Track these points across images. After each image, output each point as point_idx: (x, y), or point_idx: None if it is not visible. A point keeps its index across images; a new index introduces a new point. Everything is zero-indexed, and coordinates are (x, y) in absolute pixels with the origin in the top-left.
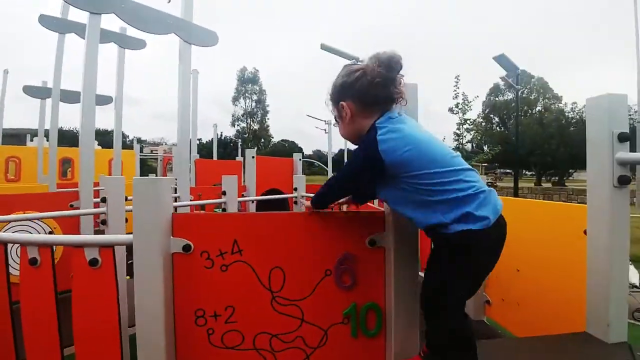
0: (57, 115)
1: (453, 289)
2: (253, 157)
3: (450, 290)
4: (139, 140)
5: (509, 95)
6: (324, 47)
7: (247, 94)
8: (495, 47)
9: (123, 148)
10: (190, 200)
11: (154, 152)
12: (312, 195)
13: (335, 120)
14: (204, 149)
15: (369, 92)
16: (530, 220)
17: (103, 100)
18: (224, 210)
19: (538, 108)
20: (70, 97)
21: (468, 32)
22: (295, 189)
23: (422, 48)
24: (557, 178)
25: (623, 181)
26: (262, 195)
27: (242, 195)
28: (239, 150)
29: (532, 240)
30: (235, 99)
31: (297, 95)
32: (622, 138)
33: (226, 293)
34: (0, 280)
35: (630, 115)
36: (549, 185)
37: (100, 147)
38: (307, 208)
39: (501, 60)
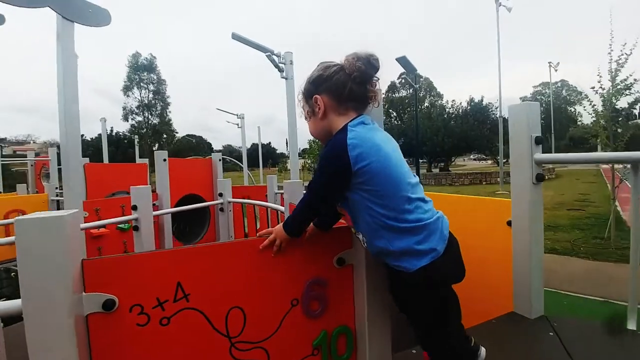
0: None
1: (443, 319)
2: (165, 159)
3: (441, 321)
4: None
5: (403, 92)
6: (235, 37)
7: (142, 84)
8: (388, 50)
9: None
10: (85, 217)
11: (17, 152)
12: (240, 200)
13: (306, 117)
14: (90, 148)
15: (345, 86)
16: (461, 213)
17: None
18: (135, 228)
19: (426, 104)
20: None
21: (368, 33)
22: (221, 195)
23: (327, 47)
24: (442, 164)
25: (539, 178)
26: (177, 203)
27: (153, 205)
28: (136, 149)
29: (462, 233)
30: (127, 89)
31: (203, 87)
32: (537, 141)
33: (170, 352)
34: None
35: (492, 111)
36: (437, 170)
37: None
38: (271, 241)
39: (403, 61)
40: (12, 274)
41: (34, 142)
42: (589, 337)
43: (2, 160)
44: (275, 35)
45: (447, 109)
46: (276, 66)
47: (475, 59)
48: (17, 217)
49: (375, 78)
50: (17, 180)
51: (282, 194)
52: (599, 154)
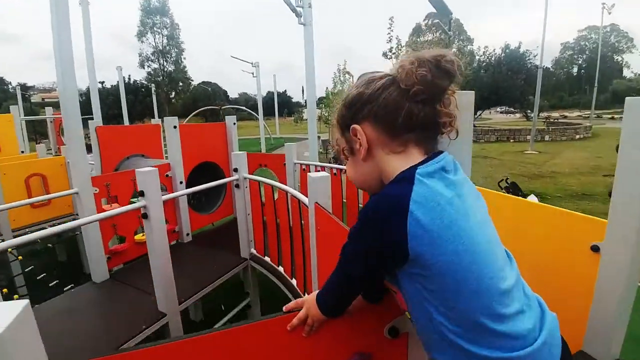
0: None
1: None
2: (175, 126)
3: None
4: (24, 87)
5: (429, 36)
6: None
7: (155, 28)
8: None
9: (5, 97)
10: (96, 194)
11: (46, 100)
12: (257, 178)
13: (343, 156)
14: (110, 96)
15: (400, 108)
16: (528, 224)
17: None
18: (144, 215)
19: (453, 49)
20: None
21: None
22: (235, 170)
23: None
24: None
25: None
26: (192, 171)
27: (166, 176)
28: (154, 97)
29: (525, 249)
30: (141, 34)
31: (217, 33)
32: None
33: None
34: None
35: (529, 59)
36: None
37: None
38: (301, 320)
39: (435, 2)
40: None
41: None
42: None
43: (23, 118)
44: None
45: (477, 56)
46: (293, 10)
47: None
48: None
49: (451, 89)
50: (43, 136)
51: (301, 164)
52: None
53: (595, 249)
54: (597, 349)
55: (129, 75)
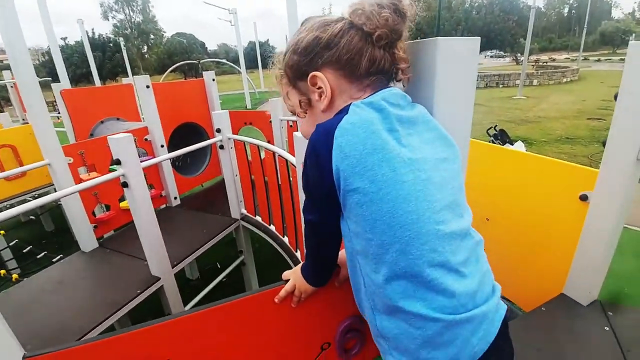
0: None
1: None
2: (148, 86)
3: None
4: None
5: None
6: None
7: None
8: None
9: None
10: (69, 163)
11: (3, 62)
12: (242, 138)
13: (296, 111)
14: (75, 55)
15: (362, 53)
16: (518, 174)
17: None
18: (124, 184)
19: None
20: None
21: None
22: (218, 131)
23: None
24: None
25: None
26: (173, 133)
27: (145, 140)
28: (124, 53)
29: (515, 197)
30: None
31: None
32: None
33: None
34: None
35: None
36: None
37: None
38: (288, 291)
39: None
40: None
41: None
42: None
43: None
44: None
45: None
46: None
47: None
48: None
49: (404, 36)
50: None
51: (288, 120)
52: None
53: (584, 197)
54: (578, 292)
55: (93, 29)
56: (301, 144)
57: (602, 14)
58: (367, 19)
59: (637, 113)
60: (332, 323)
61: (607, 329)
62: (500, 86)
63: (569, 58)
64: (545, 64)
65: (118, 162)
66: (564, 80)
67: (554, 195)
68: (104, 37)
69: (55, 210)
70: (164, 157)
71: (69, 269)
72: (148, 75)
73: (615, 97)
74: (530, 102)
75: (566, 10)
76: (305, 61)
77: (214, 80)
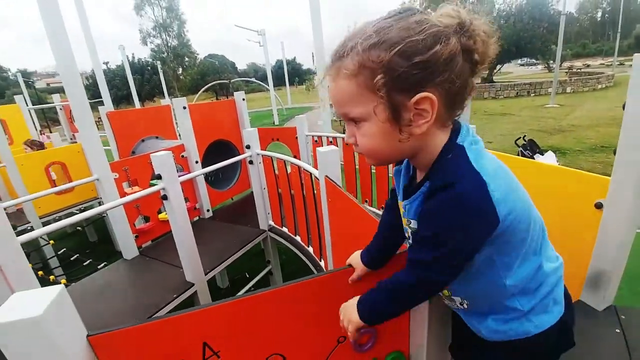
0: None
1: None
2: (185, 107)
3: None
4: (25, 73)
5: None
6: None
7: (153, 0)
8: None
9: (6, 85)
10: (115, 178)
11: (51, 85)
12: (270, 154)
13: (356, 120)
14: (117, 77)
15: (468, 82)
16: (537, 183)
17: None
18: (164, 197)
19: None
20: None
21: None
22: (248, 147)
23: None
24: (486, 74)
25: None
26: (207, 150)
27: (182, 157)
28: (161, 75)
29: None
30: (138, 8)
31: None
32: None
33: None
34: None
35: (552, 5)
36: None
37: None
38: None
39: None
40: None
41: None
42: None
43: (31, 108)
44: None
45: (497, 5)
46: None
47: None
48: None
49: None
50: (54, 123)
51: (313, 136)
52: None
53: (599, 205)
54: (593, 298)
55: (133, 54)
56: (325, 158)
57: (637, 16)
58: (483, 48)
59: None
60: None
61: (618, 331)
62: (532, 95)
63: (603, 63)
64: (579, 70)
65: (159, 177)
66: (599, 86)
67: (570, 204)
68: (142, 61)
69: (98, 222)
70: (198, 172)
71: (113, 274)
72: (185, 98)
73: (624, 107)
74: (563, 110)
75: (599, 14)
76: (418, 76)
77: (243, 99)
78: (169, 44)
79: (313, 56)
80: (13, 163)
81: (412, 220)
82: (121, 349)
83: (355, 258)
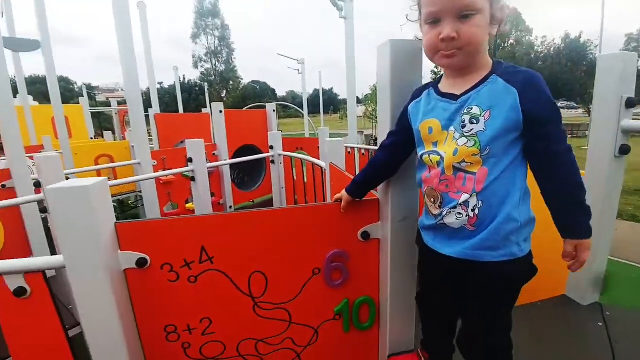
0: None
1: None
2: (221, 111)
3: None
4: (89, 87)
5: None
6: None
7: (208, 30)
8: None
9: (72, 96)
10: (154, 166)
11: (109, 99)
12: (289, 154)
13: (468, 14)
14: (167, 95)
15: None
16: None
17: (27, 45)
18: (193, 178)
19: (510, 41)
20: None
21: None
22: (272, 147)
23: None
24: None
25: (623, 151)
26: (235, 153)
27: (213, 155)
28: (206, 96)
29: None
30: (195, 36)
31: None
32: (629, 103)
33: (199, 305)
34: None
35: (590, 50)
36: None
37: (37, 103)
38: (586, 255)
39: None
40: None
41: (121, 90)
42: None
43: (91, 110)
44: None
45: (535, 47)
46: (334, 4)
47: None
48: (47, 187)
49: None
50: (107, 127)
51: None
52: None
53: None
54: (577, 292)
55: (184, 75)
56: (330, 147)
57: None
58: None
59: (609, 116)
60: (321, 251)
61: (600, 324)
62: (570, 136)
63: None
64: None
65: (190, 160)
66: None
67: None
68: (191, 82)
69: (133, 214)
70: (226, 162)
71: None
72: (222, 103)
73: None
74: None
75: None
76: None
77: (274, 110)
78: (217, 69)
79: (347, 88)
80: (69, 152)
81: (475, 107)
82: (137, 238)
83: (340, 193)
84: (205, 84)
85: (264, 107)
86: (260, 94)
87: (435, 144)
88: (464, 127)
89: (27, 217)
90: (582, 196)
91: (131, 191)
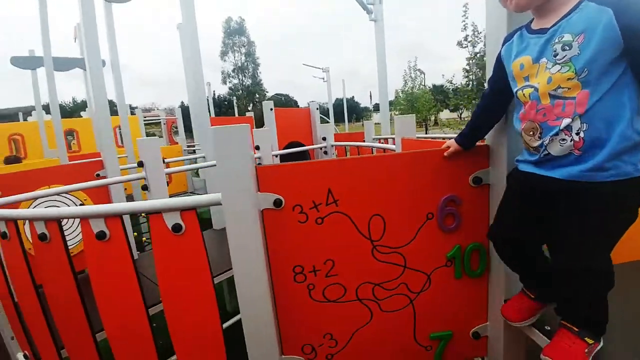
0: (54, 85)
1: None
2: (271, 109)
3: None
4: (130, 107)
5: None
6: None
7: (235, 47)
8: None
9: (113, 115)
10: None
11: (145, 118)
12: (343, 143)
13: None
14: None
15: None
16: None
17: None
18: (144, 187)
19: None
20: (62, 64)
21: None
22: (324, 139)
23: None
24: None
25: None
26: (284, 148)
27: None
28: (235, 109)
29: None
30: (223, 54)
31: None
32: None
33: (324, 247)
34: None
35: None
36: None
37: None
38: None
39: None
40: None
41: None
42: None
43: (143, 119)
44: None
45: None
46: (364, 7)
47: None
48: (214, 127)
49: None
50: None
51: (379, 138)
52: None
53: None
54: None
55: (214, 91)
56: (401, 123)
57: None
58: None
59: None
60: (435, 196)
61: None
62: None
63: None
64: None
65: (141, 165)
66: None
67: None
68: (221, 97)
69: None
70: (275, 152)
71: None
72: (272, 101)
73: None
74: None
75: None
76: None
77: (317, 109)
78: (244, 84)
79: (371, 95)
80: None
81: (567, 34)
82: (274, 180)
83: (449, 141)
84: (234, 98)
85: None
86: (283, 105)
87: (526, 78)
88: (556, 55)
89: (114, 197)
90: None
91: (183, 192)
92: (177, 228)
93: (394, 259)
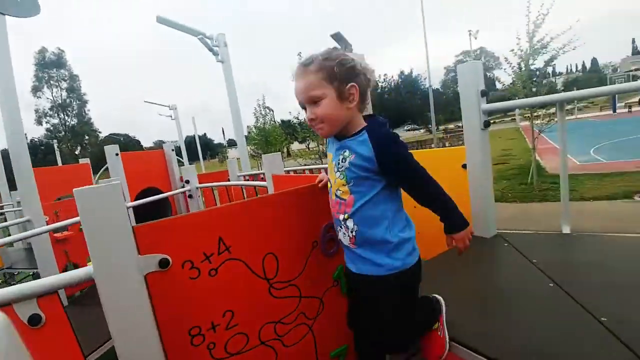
0: None
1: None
2: (117, 154)
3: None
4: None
5: None
6: (160, 20)
7: (52, 82)
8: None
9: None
10: (47, 221)
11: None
12: (211, 184)
13: (321, 98)
14: (4, 159)
15: (366, 88)
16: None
17: None
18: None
19: None
20: None
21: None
22: (187, 182)
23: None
24: None
25: (486, 125)
26: (136, 197)
27: None
28: (57, 154)
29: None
30: (36, 89)
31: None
32: (483, 93)
33: (221, 298)
34: None
35: (421, 82)
36: None
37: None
38: (466, 246)
39: (337, 37)
40: None
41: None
42: (534, 242)
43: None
44: (199, 15)
45: (380, 83)
46: (210, 49)
47: (402, 31)
48: (79, 189)
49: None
50: None
51: (244, 175)
52: (534, 98)
53: (464, 166)
54: (483, 229)
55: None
56: (269, 161)
57: (489, 86)
58: (370, 74)
59: (472, 103)
60: (317, 225)
61: (507, 245)
62: (418, 149)
63: None
64: (452, 130)
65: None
66: None
67: (448, 171)
68: (35, 141)
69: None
70: (129, 204)
71: None
72: (117, 145)
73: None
74: None
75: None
76: (349, 75)
77: (173, 150)
78: (68, 124)
79: (223, 131)
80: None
81: (347, 150)
82: (156, 239)
83: (321, 175)
84: (54, 141)
85: None
86: (124, 147)
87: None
88: (338, 163)
89: None
90: (443, 201)
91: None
92: (35, 320)
93: (290, 292)
